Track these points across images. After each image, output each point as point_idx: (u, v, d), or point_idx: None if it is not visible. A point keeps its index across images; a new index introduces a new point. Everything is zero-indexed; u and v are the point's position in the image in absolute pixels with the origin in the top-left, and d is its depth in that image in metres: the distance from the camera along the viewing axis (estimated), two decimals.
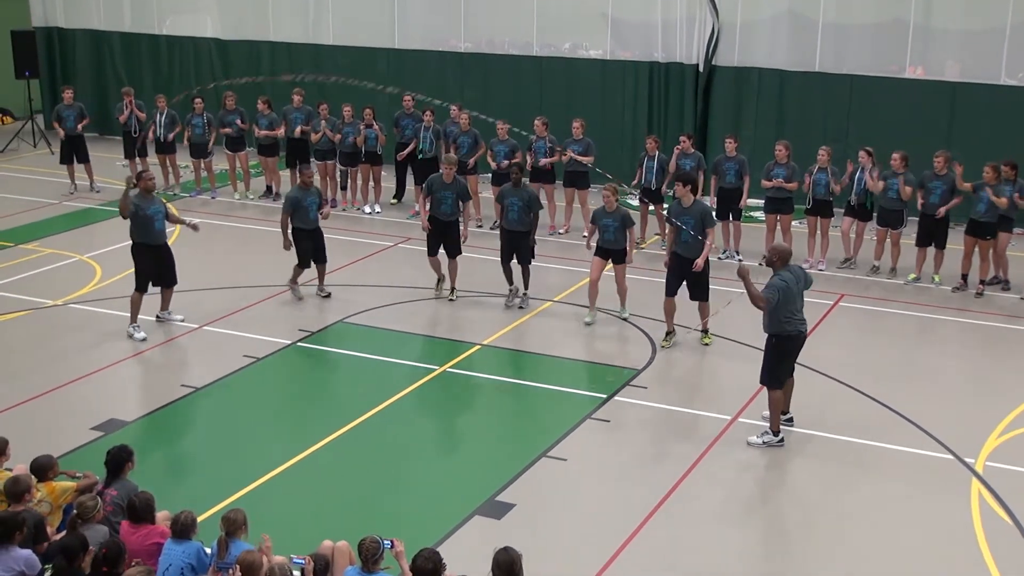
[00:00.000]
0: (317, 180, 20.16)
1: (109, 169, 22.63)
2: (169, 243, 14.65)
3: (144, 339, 14.11)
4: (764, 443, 11.48)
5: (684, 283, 13.97)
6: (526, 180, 15.61)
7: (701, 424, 12.06)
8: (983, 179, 16.02)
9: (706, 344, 14.13)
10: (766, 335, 11.48)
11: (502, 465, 11.30)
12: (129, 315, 14.29)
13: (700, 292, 13.98)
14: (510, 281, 15.55)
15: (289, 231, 15.39)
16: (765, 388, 11.61)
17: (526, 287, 15.56)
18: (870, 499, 10.62)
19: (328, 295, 15.68)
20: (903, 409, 12.39)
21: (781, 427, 11.63)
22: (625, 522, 10.07)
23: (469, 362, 13.59)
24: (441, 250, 15.65)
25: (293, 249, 15.56)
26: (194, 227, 14.72)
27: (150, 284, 14.37)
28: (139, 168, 21.50)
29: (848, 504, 10.55)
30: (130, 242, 14.32)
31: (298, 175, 16.26)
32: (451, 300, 15.64)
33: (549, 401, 12.77)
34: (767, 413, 11.66)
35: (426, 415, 12.79)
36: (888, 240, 17.03)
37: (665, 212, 14.68)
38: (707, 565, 9.53)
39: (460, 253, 15.67)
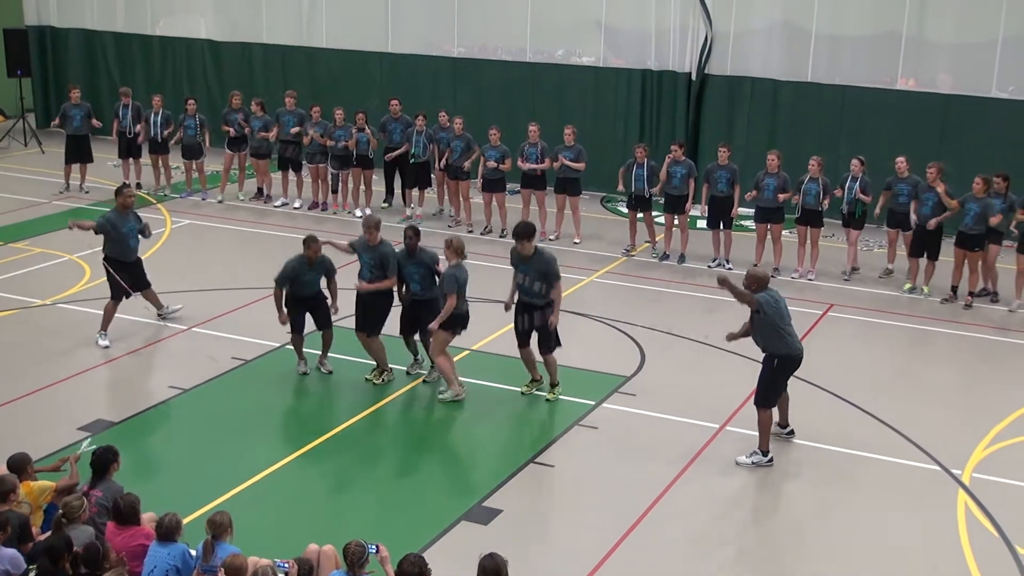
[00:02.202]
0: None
1: (101, 169, 22.57)
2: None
3: (107, 347, 13.97)
4: (753, 463, 11.32)
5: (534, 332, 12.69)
6: (423, 245, 12.97)
7: (689, 432, 12.04)
8: (972, 191, 16.06)
9: (549, 400, 12.77)
10: (766, 355, 11.26)
11: (489, 471, 11.31)
12: (102, 321, 14.13)
13: (547, 345, 12.65)
14: (414, 352, 13.52)
15: (283, 302, 13.10)
16: (756, 408, 11.38)
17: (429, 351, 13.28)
18: (856, 509, 10.62)
19: (331, 372, 13.46)
20: (890, 420, 12.40)
21: (781, 438, 11.59)
22: (613, 528, 10.06)
23: (459, 367, 13.53)
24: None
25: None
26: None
27: (124, 296, 14.24)
28: (131, 168, 21.65)
29: (834, 514, 10.55)
30: (103, 253, 14.21)
31: (303, 246, 12.98)
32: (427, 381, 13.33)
33: (537, 407, 12.75)
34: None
35: (415, 420, 12.76)
36: (900, 240, 17.24)
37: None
38: (694, 572, 9.53)
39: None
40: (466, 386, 12.89)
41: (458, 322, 12.67)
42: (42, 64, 27.48)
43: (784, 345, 11.12)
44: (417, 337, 13.35)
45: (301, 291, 13.08)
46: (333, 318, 13.42)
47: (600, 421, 12.33)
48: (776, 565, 9.86)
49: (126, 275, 14.14)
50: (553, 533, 10.17)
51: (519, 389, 12.97)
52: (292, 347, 13.48)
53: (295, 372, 13.42)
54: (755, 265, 17.18)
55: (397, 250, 13.06)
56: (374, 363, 13.25)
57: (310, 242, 12.99)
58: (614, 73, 22.32)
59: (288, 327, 13.22)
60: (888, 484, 11.15)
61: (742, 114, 21.41)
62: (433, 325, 12.47)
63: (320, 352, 13.53)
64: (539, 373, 12.95)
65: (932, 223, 16.34)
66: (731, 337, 11.79)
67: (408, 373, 13.41)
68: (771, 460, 11.34)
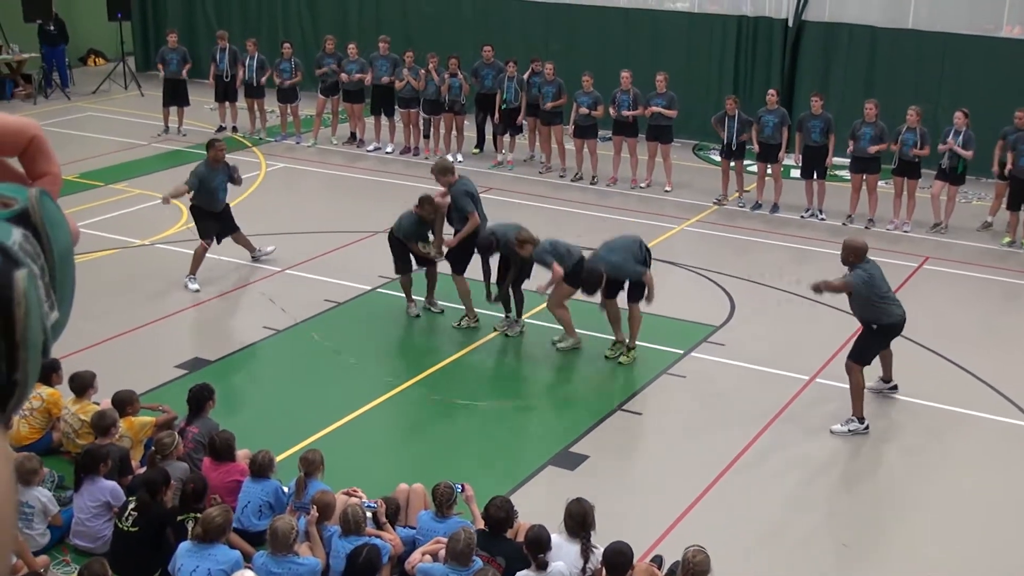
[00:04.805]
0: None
1: (197, 112, 22.90)
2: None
3: (198, 291, 14.14)
4: (850, 431, 10.93)
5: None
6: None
7: (778, 383, 11.97)
8: None
9: (623, 363, 12.45)
10: (863, 323, 10.97)
11: (577, 417, 11.38)
12: (191, 265, 14.28)
13: (638, 292, 12.27)
14: (507, 308, 13.31)
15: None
16: (847, 366, 11.01)
17: (520, 311, 13.28)
18: (951, 466, 10.51)
19: (442, 311, 13.72)
20: (985, 376, 12.19)
21: (883, 394, 11.44)
22: (699, 477, 10.08)
23: (547, 314, 13.60)
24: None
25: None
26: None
27: (215, 241, 14.39)
28: (227, 112, 21.92)
29: (924, 468, 10.45)
30: (190, 202, 14.39)
31: (419, 205, 13.21)
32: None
33: None
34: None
35: (503, 364, 12.87)
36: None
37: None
38: (778, 522, 9.52)
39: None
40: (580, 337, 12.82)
41: (590, 280, 12.28)
42: (142, 7, 27.87)
43: (884, 315, 10.79)
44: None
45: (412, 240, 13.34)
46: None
47: (688, 371, 12.31)
48: (860, 514, 9.79)
49: (213, 223, 14.31)
50: (639, 481, 10.22)
51: (605, 351, 12.69)
52: (402, 288, 13.60)
53: (386, 315, 13.62)
54: (849, 217, 16.98)
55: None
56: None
57: (426, 202, 13.13)
58: (709, 19, 21.99)
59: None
60: (983, 441, 11.00)
61: (839, 62, 20.97)
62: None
63: (426, 294, 13.71)
64: (623, 333, 12.65)
65: None
66: (818, 288, 11.05)
67: (495, 329, 13.27)
68: (867, 427, 10.98)
